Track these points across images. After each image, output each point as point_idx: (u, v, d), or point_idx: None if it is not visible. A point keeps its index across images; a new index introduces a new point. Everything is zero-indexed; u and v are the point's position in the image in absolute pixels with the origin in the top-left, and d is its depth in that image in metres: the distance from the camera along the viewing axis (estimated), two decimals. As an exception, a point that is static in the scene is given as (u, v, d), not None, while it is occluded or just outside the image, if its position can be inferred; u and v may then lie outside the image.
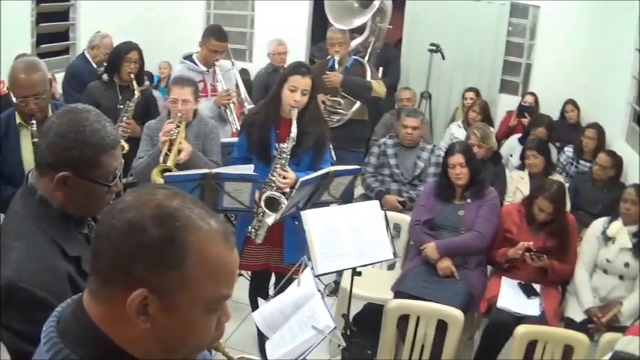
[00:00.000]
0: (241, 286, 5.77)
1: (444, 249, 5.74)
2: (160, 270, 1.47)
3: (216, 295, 1.56)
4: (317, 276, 4.19)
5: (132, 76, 6.34)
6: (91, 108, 2.57)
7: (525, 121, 9.32)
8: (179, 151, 5.14)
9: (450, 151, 5.99)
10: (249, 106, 6.88)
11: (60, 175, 2.43)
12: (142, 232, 1.47)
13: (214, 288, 1.55)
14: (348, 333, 4.69)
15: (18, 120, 4.61)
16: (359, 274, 4.70)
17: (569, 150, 8.57)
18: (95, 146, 2.45)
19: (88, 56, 8.00)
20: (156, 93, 7.35)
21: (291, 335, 3.73)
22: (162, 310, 1.49)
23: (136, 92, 6.27)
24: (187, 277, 1.49)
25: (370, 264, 4.92)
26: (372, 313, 5.93)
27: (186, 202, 1.55)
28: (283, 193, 4.98)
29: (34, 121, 4.41)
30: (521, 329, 4.86)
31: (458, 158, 5.83)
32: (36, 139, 4.36)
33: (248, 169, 4.96)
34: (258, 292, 5.50)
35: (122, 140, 5.70)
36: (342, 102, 7.42)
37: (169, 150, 5.14)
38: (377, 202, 4.93)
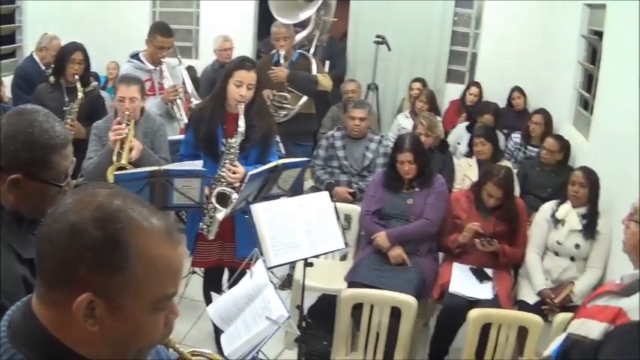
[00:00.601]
0: (196, 284, 5.78)
1: (394, 237, 5.78)
2: (104, 273, 1.46)
3: (162, 294, 1.56)
4: (269, 268, 4.19)
5: (76, 77, 6.30)
6: (39, 108, 2.54)
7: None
8: (130, 149, 5.13)
9: (399, 147, 5.98)
10: (196, 101, 6.85)
11: (11, 177, 2.39)
12: (83, 235, 1.45)
13: (159, 287, 1.54)
14: (304, 325, 4.70)
15: None
16: (310, 265, 4.71)
17: (516, 136, 8.64)
18: (45, 146, 2.42)
19: (36, 58, 7.90)
20: (104, 93, 7.32)
21: (246, 327, 3.73)
22: (109, 312, 1.49)
23: (79, 93, 6.23)
24: (132, 279, 1.48)
25: (322, 254, 4.94)
26: (327, 304, 5.96)
27: (127, 202, 1.54)
28: (234, 188, 4.96)
29: None
30: (474, 313, 4.90)
31: (407, 156, 5.87)
32: None
33: (197, 164, 4.97)
34: (212, 288, 5.47)
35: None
36: (289, 96, 7.43)
37: (121, 148, 5.13)
38: (326, 192, 4.93)
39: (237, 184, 4.95)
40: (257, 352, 3.70)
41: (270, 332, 3.61)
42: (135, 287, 1.49)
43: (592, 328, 3.10)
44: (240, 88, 4.98)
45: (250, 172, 4.76)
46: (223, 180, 4.99)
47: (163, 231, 1.56)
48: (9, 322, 1.59)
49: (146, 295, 1.52)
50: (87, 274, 1.45)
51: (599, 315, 3.12)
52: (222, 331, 3.98)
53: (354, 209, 6.34)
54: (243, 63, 5.09)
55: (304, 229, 4.57)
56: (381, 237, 5.78)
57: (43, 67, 7.71)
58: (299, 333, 3.74)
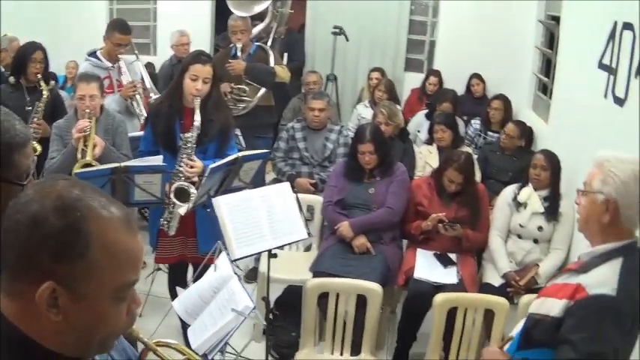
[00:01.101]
0: (161, 281, 5.77)
1: (357, 227, 5.79)
2: (65, 261, 1.47)
3: (123, 282, 1.57)
4: (233, 261, 4.18)
5: (39, 76, 6.27)
6: None
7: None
8: (94, 146, 5.12)
9: (359, 137, 6.00)
10: (155, 96, 6.83)
11: None
12: (45, 225, 1.46)
13: (120, 274, 1.55)
14: (271, 317, 4.70)
15: None
16: (275, 256, 4.71)
17: (476, 122, 8.71)
18: (6, 145, 2.39)
19: (-5, 60, 7.86)
20: (63, 93, 7.28)
21: (212, 320, 3.74)
22: (71, 301, 1.49)
23: (44, 92, 6.20)
24: (93, 266, 1.49)
25: (285, 245, 4.97)
26: (293, 295, 5.96)
27: (86, 192, 1.55)
28: (192, 183, 4.95)
29: None
30: (439, 297, 4.91)
31: (368, 147, 5.88)
32: None
33: (157, 160, 4.93)
34: (177, 283, 5.46)
35: (34, 141, 5.63)
36: (247, 89, 7.42)
37: (85, 146, 5.13)
38: (288, 183, 4.94)
39: (196, 179, 4.94)
40: (224, 345, 3.70)
41: (236, 324, 3.62)
42: (96, 275, 1.50)
43: (552, 307, 3.14)
44: (195, 82, 4.97)
45: (211, 166, 4.74)
46: (181, 175, 4.97)
47: (122, 219, 1.57)
48: None
49: (108, 283, 1.53)
50: (49, 263, 1.46)
51: (558, 293, 3.16)
52: (188, 324, 3.98)
53: (317, 200, 6.35)
54: (198, 57, 5.08)
55: (267, 221, 4.56)
56: (345, 227, 5.80)
57: (3, 69, 7.64)
58: (265, 323, 3.75)
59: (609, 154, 3.15)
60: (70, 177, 1.63)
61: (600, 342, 2.94)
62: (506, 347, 3.52)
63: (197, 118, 4.92)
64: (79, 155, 5.09)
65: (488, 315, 4.94)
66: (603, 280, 3.00)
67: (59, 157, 5.25)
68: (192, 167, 4.95)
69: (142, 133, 5.79)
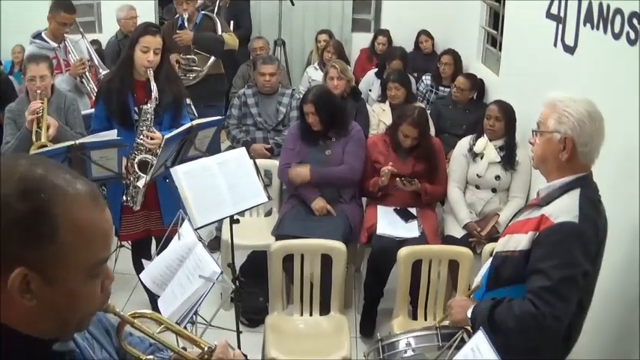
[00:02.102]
0: (126, 258, 5.72)
1: (316, 174, 5.82)
2: (34, 245, 1.43)
3: (94, 260, 1.54)
4: (197, 229, 4.16)
5: None
6: None
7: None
8: (48, 127, 5.06)
9: (303, 99, 6.03)
10: (104, 72, 6.77)
11: None
12: (8, 210, 1.41)
13: (91, 253, 1.52)
14: (238, 284, 4.69)
15: None
16: (237, 221, 4.71)
17: (427, 78, 8.76)
18: None
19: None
20: (11, 78, 7.19)
21: (181, 288, 3.72)
22: (44, 284, 1.46)
23: (-9, 78, 6.13)
24: (62, 248, 1.46)
25: (247, 209, 4.95)
26: (257, 260, 5.97)
27: (49, 169, 1.50)
28: (154, 155, 4.93)
29: None
30: (403, 251, 4.94)
31: (309, 107, 5.88)
32: None
33: (111, 134, 4.90)
34: (142, 257, 5.46)
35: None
36: (196, 59, 7.39)
37: (39, 127, 5.07)
38: (243, 148, 4.91)
39: (158, 151, 4.89)
40: (195, 314, 3.70)
41: (205, 290, 3.62)
42: (67, 256, 1.47)
43: (519, 241, 3.21)
44: (147, 54, 4.94)
45: (166, 136, 4.72)
46: (142, 147, 4.96)
47: (89, 196, 1.53)
48: None
49: (79, 263, 1.50)
50: (17, 248, 1.42)
51: (523, 228, 3.23)
52: (158, 298, 3.97)
53: (274, 164, 6.33)
54: (148, 28, 5.05)
55: (226, 187, 4.53)
56: (304, 170, 5.84)
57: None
58: (234, 287, 3.73)
59: (560, 95, 3.20)
60: (32, 155, 1.59)
61: (571, 266, 3.03)
62: (472, 295, 3.57)
63: (154, 90, 4.90)
64: (33, 137, 5.04)
65: (453, 266, 4.99)
66: (566, 209, 3.08)
67: (14, 142, 5.19)
68: (152, 139, 4.93)
69: (92, 110, 5.72)
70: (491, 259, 3.56)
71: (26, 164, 1.48)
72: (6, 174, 1.45)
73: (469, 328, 3.39)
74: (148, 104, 4.93)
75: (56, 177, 1.49)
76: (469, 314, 3.34)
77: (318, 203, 5.80)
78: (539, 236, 3.11)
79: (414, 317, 5.15)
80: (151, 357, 1.93)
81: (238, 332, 4.79)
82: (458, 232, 5.80)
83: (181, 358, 1.94)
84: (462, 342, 3.24)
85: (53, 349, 1.60)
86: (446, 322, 3.64)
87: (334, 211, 5.79)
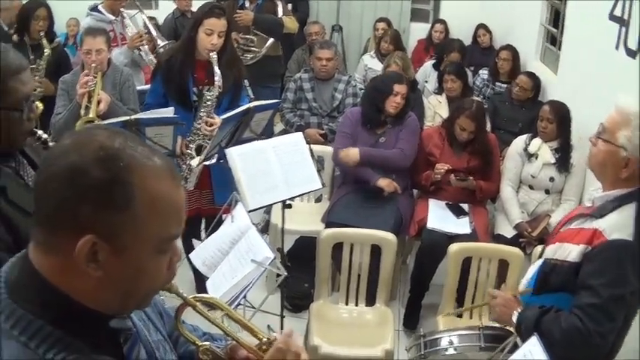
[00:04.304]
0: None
1: (366, 154, 5.75)
2: (107, 213, 1.41)
3: (166, 235, 1.52)
4: (249, 212, 4.14)
5: (42, 33, 6.19)
6: None
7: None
8: (98, 102, 5.00)
9: (396, 79, 5.94)
10: (162, 43, 6.76)
11: None
12: (86, 176, 1.39)
13: (163, 227, 1.50)
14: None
15: None
16: (289, 206, 4.70)
17: (484, 73, 8.68)
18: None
19: (-1, 20, 7.75)
20: (66, 50, 7.21)
21: (231, 271, 3.70)
22: (112, 255, 1.44)
23: (46, 50, 6.12)
24: (135, 218, 1.43)
25: (300, 195, 4.92)
26: (305, 246, 5.98)
27: (128, 141, 1.48)
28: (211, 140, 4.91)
29: None
30: (454, 247, 4.88)
31: (403, 88, 5.82)
32: None
33: (168, 112, 4.84)
34: (192, 236, 5.44)
35: (37, 100, 5.56)
36: (255, 39, 7.35)
37: (89, 102, 4.99)
38: (300, 133, 4.88)
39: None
40: (244, 298, 3.67)
41: (256, 275, 3.59)
42: (138, 227, 1.45)
43: (569, 252, 3.14)
44: (211, 37, 4.87)
45: (223, 117, 4.68)
46: (200, 133, 4.92)
47: (166, 170, 1.52)
48: (5, 277, 1.54)
49: (150, 236, 1.48)
50: (89, 215, 1.40)
51: (574, 238, 3.16)
52: (206, 276, 3.95)
53: (326, 150, 6.30)
54: (212, 10, 4.94)
55: (280, 171, 4.52)
56: (354, 151, 5.76)
57: (6, 29, 7.55)
58: (286, 274, 3.70)
59: (635, 107, 3.11)
60: (109, 127, 1.56)
61: (621, 285, 2.97)
62: (519, 296, 3.52)
63: (217, 76, 4.85)
64: (82, 111, 4.96)
65: (502, 264, 4.91)
66: (621, 226, 3.02)
67: (65, 113, 5.14)
68: (211, 125, 4.89)
69: (147, 86, 5.72)
70: (539, 261, 3.50)
71: (106, 134, 1.48)
72: (85, 142, 1.45)
73: (511, 329, 3.37)
74: (211, 91, 4.89)
75: (134, 149, 1.47)
76: (514, 318, 3.30)
77: (384, 181, 5.71)
78: (591, 251, 3.06)
79: (459, 314, 5.06)
80: (207, 344, 1.89)
81: (282, 317, 4.80)
82: (508, 232, 5.73)
83: (238, 347, 1.90)
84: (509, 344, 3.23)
85: (110, 325, 1.58)
86: (488, 322, 3.60)
87: (385, 201, 5.72)
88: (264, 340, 1.85)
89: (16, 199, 2.46)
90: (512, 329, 3.38)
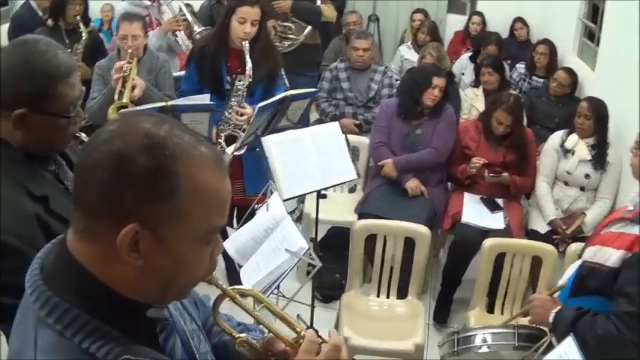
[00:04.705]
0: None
1: (400, 164, 5.75)
2: (151, 202, 1.39)
3: (210, 226, 1.49)
4: (283, 201, 4.12)
5: (78, 18, 6.20)
6: (40, 38, 2.43)
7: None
8: (133, 88, 4.98)
9: (435, 71, 5.92)
10: (199, 29, 6.74)
11: (16, 113, 2.30)
12: (131, 163, 1.37)
13: (207, 218, 1.47)
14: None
15: None
16: (324, 196, 4.69)
17: (520, 67, 8.63)
18: (47, 77, 2.33)
19: (33, 4, 7.72)
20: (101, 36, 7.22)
21: (265, 261, 3.66)
22: (154, 244, 1.41)
23: (83, 34, 6.13)
24: (179, 208, 1.41)
25: (335, 185, 4.91)
26: (337, 237, 5.97)
27: (174, 129, 1.45)
28: (243, 130, 4.85)
29: None
30: (488, 242, 4.85)
31: (442, 81, 5.81)
32: None
33: (204, 98, 4.81)
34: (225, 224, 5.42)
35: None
36: (293, 27, 7.30)
37: (123, 87, 4.98)
38: (337, 123, 4.86)
39: (245, 126, 4.83)
40: (277, 288, 3.65)
41: (290, 265, 3.56)
42: (182, 218, 1.42)
43: (609, 256, 3.13)
44: (243, 25, 4.84)
45: (259, 105, 4.64)
46: (230, 122, 4.90)
47: (212, 160, 1.49)
48: (41, 265, 1.53)
49: (194, 226, 1.45)
50: (133, 204, 1.38)
51: (614, 242, 3.14)
52: (235, 268, 3.94)
53: (361, 141, 6.29)
54: None
55: (316, 160, 4.50)
56: (388, 165, 5.77)
57: (41, 13, 7.56)
58: (320, 264, 3.67)
59: None
60: (155, 114, 1.54)
61: None
62: (556, 295, 3.49)
63: (249, 65, 4.82)
64: (116, 96, 4.95)
65: (535, 261, 4.87)
66: None
67: (99, 98, 5.13)
68: (241, 115, 4.86)
69: (182, 73, 5.71)
70: (578, 262, 3.47)
71: (152, 121, 1.45)
72: (131, 129, 1.42)
73: (546, 329, 3.35)
74: (241, 79, 4.87)
75: (181, 137, 1.45)
76: (551, 318, 3.27)
77: (413, 183, 5.73)
78: (631, 258, 3.03)
79: (490, 310, 5.04)
80: (244, 335, 1.86)
81: (313, 307, 4.79)
82: (542, 228, 5.68)
83: (275, 340, 1.88)
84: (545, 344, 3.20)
85: (147, 315, 1.56)
86: (523, 319, 3.57)
87: (426, 194, 5.73)
88: (302, 333, 1.82)
89: (57, 209, 2.42)
90: (547, 330, 3.35)
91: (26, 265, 2.16)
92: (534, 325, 3.53)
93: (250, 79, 4.86)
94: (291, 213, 4.02)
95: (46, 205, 2.39)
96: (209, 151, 1.49)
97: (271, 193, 4.05)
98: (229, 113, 4.90)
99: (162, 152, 1.40)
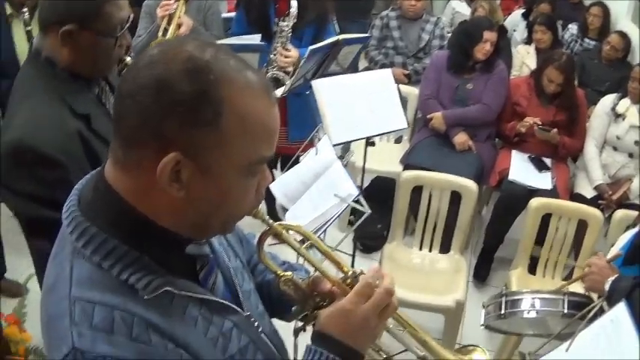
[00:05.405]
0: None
1: (450, 119, 5.69)
2: (194, 129, 1.31)
3: (256, 156, 1.40)
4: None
5: None
6: None
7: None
8: (179, 26, 4.90)
9: (486, 25, 5.80)
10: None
11: (64, 29, 2.35)
12: (173, 89, 1.29)
13: (253, 147, 1.39)
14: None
15: (8, 11, 4.55)
16: (372, 144, 4.63)
17: (573, 27, 8.44)
18: None
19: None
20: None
21: (312, 205, 3.60)
22: (197, 174, 1.34)
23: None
24: (224, 136, 1.33)
25: (385, 133, 4.85)
26: (380, 187, 5.94)
27: (219, 53, 1.36)
28: (286, 73, 4.77)
29: (25, 10, 4.38)
30: (535, 202, 4.77)
31: (493, 36, 5.70)
32: (29, 28, 4.39)
33: (255, 38, 4.74)
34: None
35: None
36: (346, -28, 7.21)
37: (169, 24, 4.91)
38: (389, 70, 4.77)
39: (290, 69, 4.75)
40: (324, 232, 3.58)
41: (338, 210, 3.48)
42: (227, 146, 1.34)
43: None
44: None
45: (311, 47, 4.53)
46: (275, 64, 4.81)
47: (259, 86, 1.40)
48: (78, 195, 1.48)
49: (239, 156, 1.37)
50: (175, 131, 1.30)
51: None
52: (275, 211, 3.89)
53: (410, 91, 6.20)
54: None
55: (367, 107, 4.41)
56: (437, 118, 5.71)
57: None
58: (370, 212, 3.60)
59: None
60: (199, 38, 1.45)
61: None
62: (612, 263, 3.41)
63: (293, 5, 4.71)
64: (160, 34, 4.83)
65: (580, 225, 4.76)
66: None
67: (145, 36, 5.04)
68: (286, 57, 4.77)
69: (230, 14, 5.66)
70: (635, 229, 3.38)
71: (196, 45, 1.36)
72: (173, 53, 1.34)
73: (594, 296, 3.26)
74: (286, 21, 4.76)
75: (226, 61, 1.36)
76: (607, 286, 3.18)
77: (461, 138, 5.68)
78: None
79: (532, 272, 4.96)
80: (290, 274, 1.79)
81: (353, 256, 4.76)
82: (588, 192, 5.59)
83: (322, 279, 1.79)
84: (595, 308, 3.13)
85: (187, 251, 1.51)
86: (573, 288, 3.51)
87: (474, 148, 5.67)
88: (350, 273, 1.73)
89: (98, 128, 2.46)
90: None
91: (67, 178, 2.14)
92: (585, 294, 3.45)
93: (295, 20, 4.75)
94: (341, 158, 3.95)
95: (88, 123, 2.44)
96: (256, 77, 1.40)
97: (318, 139, 3.97)
98: (274, 55, 4.80)
99: (206, 77, 1.32)
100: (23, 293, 4.74)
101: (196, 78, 1.31)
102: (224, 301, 1.58)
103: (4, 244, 4.90)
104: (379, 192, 5.78)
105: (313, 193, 3.67)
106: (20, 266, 4.64)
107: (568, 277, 4.59)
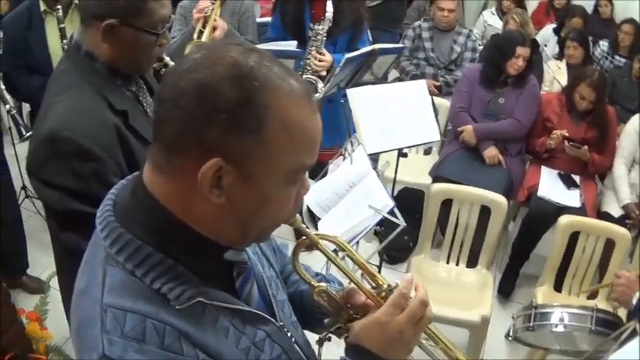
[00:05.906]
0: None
1: (481, 132, 5.68)
2: (237, 136, 1.30)
3: (298, 164, 1.40)
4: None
5: None
6: None
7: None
8: (214, 29, 4.91)
9: (520, 40, 5.76)
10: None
11: (105, 23, 2.35)
12: (216, 95, 1.28)
13: (295, 155, 1.38)
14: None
15: (42, 7, 4.56)
16: (405, 155, 4.59)
17: (604, 44, 8.39)
18: None
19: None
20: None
21: (347, 215, 3.59)
22: (237, 181, 1.34)
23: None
24: (266, 144, 1.32)
25: (417, 145, 4.83)
26: (408, 198, 5.92)
27: (263, 60, 1.36)
28: (320, 77, 4.75)
29: (59, 7, 4.39)
30: (564, 219, 4.73)
31: (527, 51, 5.68)
32: (62, 25, 4.39)
33: (291, 45, 4.73)
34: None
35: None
36: (380, -20, 7.22)
37: (203, 27, 4.92)
38: (424, 81, 4.76)
39: (324, 73, 4.73)
40: (357, 244, 3.56)
41: (372, 222, 3.47)
42: (268, 154, 1.34)
43: None
44: None
45: (347, 56, 4.53)
46: (309, 68, 4.79)
47: (302, 94, 1.39)
48: (114, 200, 1.48)
49: (280, 164, 1.36)
50: (217, 137, 1.30)
51: None
52: (318, 217, 3.87)
53: (441, 102, 6.16)
54: None
55: (401, 118, 4.41)
56: (468, 131, 5.70)
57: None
58: (405, 224, 3.58)
59: None
60: (244, 43, 1.44)
61: None
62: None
63: (329, 9, 4.68)
64: (195, 36, 4.83)
65: (608, 244, 4.72)
66: None
67: (179, 38, 5.03)
68: (320, 61, 4.76)
69: (267, 19, 5.62)
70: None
71: (240, 50, 1.35)
72: (218, 58, 1.33)
73: (622, 314, 3.27)
74: (321, 24, 4.75)
75: (269, 69, 1.35)
76: (634, 300, 3.17)
77: (491, 152, 5.66)
78: None
79: (558, 289, 4.92)
80: (324, 285, 1.76)
81: (380, 267, 4.73)
82: (615, 211, 5.53)
83: (356, 291, 1.77)
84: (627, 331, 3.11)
85: (225, 258, 1.51)
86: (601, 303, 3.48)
87: (504, 163, 5.65)
88: (385, 286, 1.72)
89: (135, 125, 2.47)
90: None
91: (102, 171, 2.13)
92: (613, 312, 3.44)
93: (330, 24, 4.73)
94: (375, 168, 3.94)
95: (126, 119, 2.44)
96: (300, 85, 1.39)
97: (351, 148, 3.96)
98: (308, 59, 4.79)
99: (250, 83, 1.31)
100: (45, 290, 4.74)
101: (241, 84, 1.30)
102: (258, 312, 1.57)
103: (28, 240, 4.91)
104: (407, 203, 5.74)
105: (348, 203, 3.65)
106: (43, 263, 4.66)
107: (592, 297, 4.59)
